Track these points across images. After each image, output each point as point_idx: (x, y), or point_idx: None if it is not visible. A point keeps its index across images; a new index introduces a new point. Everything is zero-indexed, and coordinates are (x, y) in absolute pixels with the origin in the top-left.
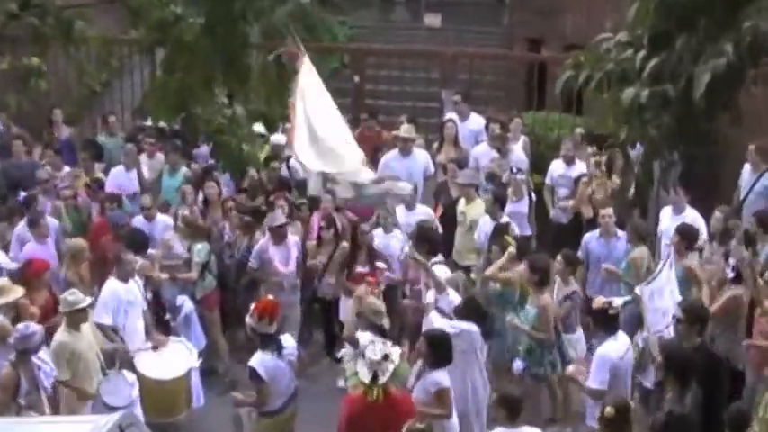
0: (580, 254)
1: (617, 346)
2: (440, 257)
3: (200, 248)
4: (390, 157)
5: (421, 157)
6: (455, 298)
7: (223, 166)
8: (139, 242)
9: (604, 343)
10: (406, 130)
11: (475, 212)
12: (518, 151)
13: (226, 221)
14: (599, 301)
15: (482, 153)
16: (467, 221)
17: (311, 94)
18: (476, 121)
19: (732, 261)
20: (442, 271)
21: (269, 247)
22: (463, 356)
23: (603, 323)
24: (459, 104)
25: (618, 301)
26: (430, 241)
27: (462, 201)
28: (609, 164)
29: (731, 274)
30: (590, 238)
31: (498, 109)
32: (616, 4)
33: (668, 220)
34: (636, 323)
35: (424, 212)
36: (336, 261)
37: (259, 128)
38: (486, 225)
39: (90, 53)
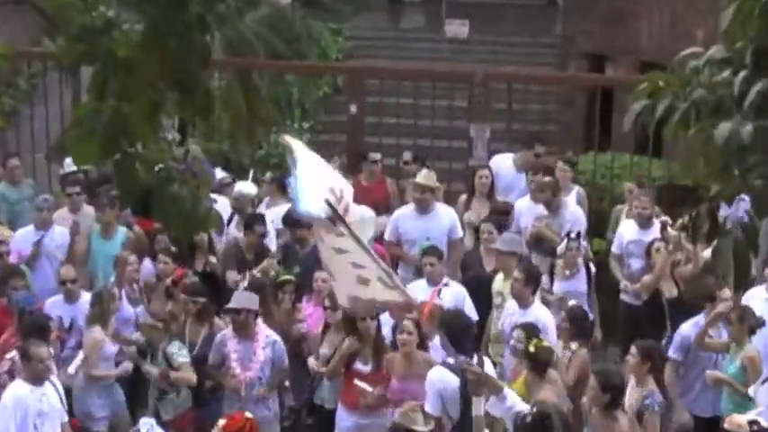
0: (672, 352)
1: None
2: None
3: (181, 347)
4: (402, 215)
5: (444, 215)
6: (516, 402)
7: (169, 228)
8: (39, 331)
9: None
10: (424, 176)
11: None
12: (572, 206)
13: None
14: (736, 422)
15: (524, 210)
16: (504, 304)
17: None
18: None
19: None
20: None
21: (228, 340)
22: None
23: None
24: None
25: (764, 421)
26: (452, 334)
27: (499, 276)
28: (696, 226)
29: None
30: (691, 330)
31: (548, 150)
32: (708, 8)
33: (762, 306)
34: None
35: (452, 291)
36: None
37: (219, 173)
38: (512, 313)
39: None
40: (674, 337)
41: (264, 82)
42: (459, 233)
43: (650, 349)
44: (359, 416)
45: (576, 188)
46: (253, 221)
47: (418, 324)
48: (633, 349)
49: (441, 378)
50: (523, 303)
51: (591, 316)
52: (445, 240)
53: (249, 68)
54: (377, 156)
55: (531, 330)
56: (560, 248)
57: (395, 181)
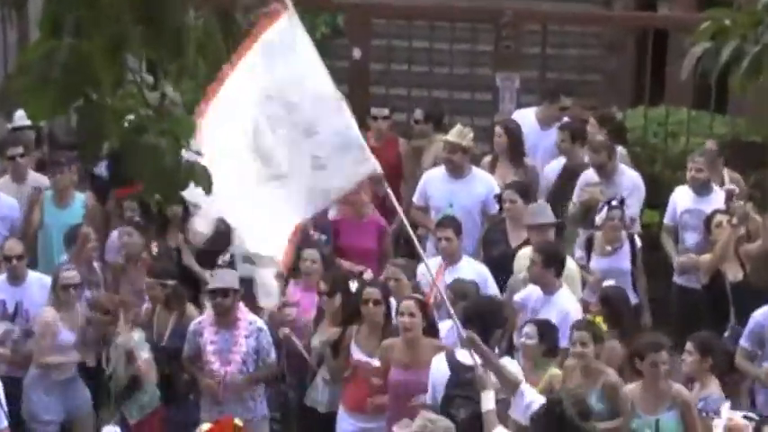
0: (744, 341)
1: None
2: None
3: (138, 340)
4: (433, 176)
5: (481, 182)
6: (535, 398)
7: (144, 189)
8: None
9: None
10: (456, 133)
11: None
12: (629, 171)
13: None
14: (737, 424)
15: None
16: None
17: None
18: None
19: None
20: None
21: (205, 329)
22: None
23: None
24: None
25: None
26: (481, 317)
27: (524, 252)
28: (765, 192)
29: None
30: (766, 318)
31: (586, 103)
32: None
33: None
34: None
35: (474, 272)
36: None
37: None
38: (534, 300)
39: None
40: (748, 323)
41: (249, 21)
42: (496, 207)
43: (709, 342)
44: (365, 419)
45: (619, 149)
46: None
47: (423, 304)
48: (689, 345)
49: (436, 366)
50: (547, 289)
51: (635, 299)
52: (478, 211)
53: (231, 5)
54: (384, 111)
55: (547, 328)
56: (599, 218)
57: (407, 141)
